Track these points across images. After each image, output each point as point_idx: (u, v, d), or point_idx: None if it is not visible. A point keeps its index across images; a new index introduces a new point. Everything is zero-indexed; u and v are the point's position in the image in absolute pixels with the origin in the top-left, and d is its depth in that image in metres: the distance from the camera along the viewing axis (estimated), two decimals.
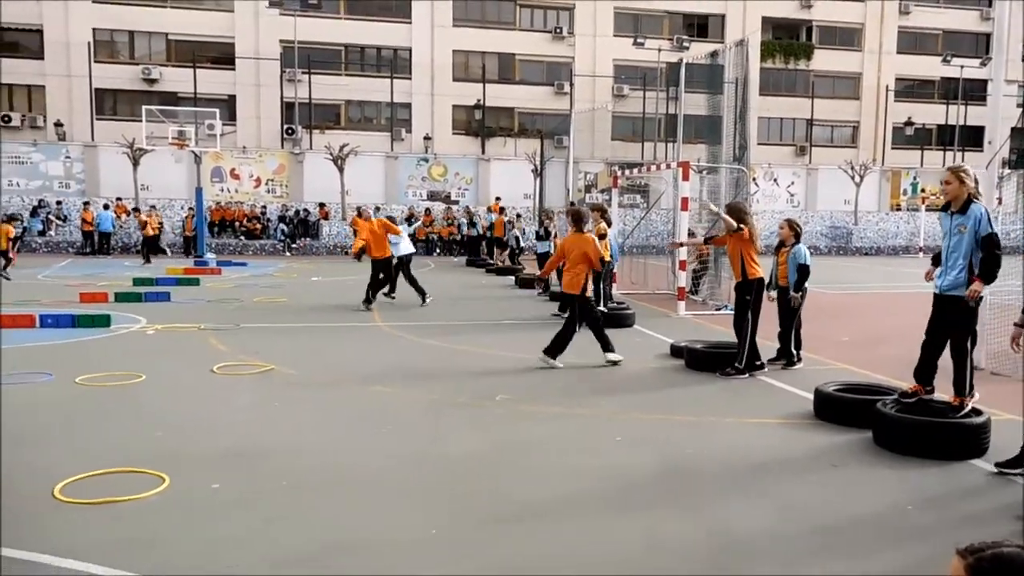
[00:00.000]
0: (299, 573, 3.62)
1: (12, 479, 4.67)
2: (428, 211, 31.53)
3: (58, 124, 36.27)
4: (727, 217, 8.39)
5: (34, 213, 29.01)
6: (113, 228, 28.02)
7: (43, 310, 11.59)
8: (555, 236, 16.31)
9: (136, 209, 28.69)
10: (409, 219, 28.70)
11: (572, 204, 16.35)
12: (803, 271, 8.45)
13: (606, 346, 8.73)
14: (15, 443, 5.46)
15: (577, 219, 8.83)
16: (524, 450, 5.57)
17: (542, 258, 15.79)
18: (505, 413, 6.56)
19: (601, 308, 11.06)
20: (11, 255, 18.52)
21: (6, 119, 36.30)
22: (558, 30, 38.93)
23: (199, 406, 6.66)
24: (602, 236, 11.05)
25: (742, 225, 8.24)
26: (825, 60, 40.39)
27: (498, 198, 32.11)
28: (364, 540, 3.96)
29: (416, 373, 8.15)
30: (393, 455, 5.36)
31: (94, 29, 37.45)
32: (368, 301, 13.33)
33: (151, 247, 24.07)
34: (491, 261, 24.87)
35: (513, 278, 18.73)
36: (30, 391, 7.06)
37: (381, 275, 13.61)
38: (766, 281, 8.45)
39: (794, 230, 8.74)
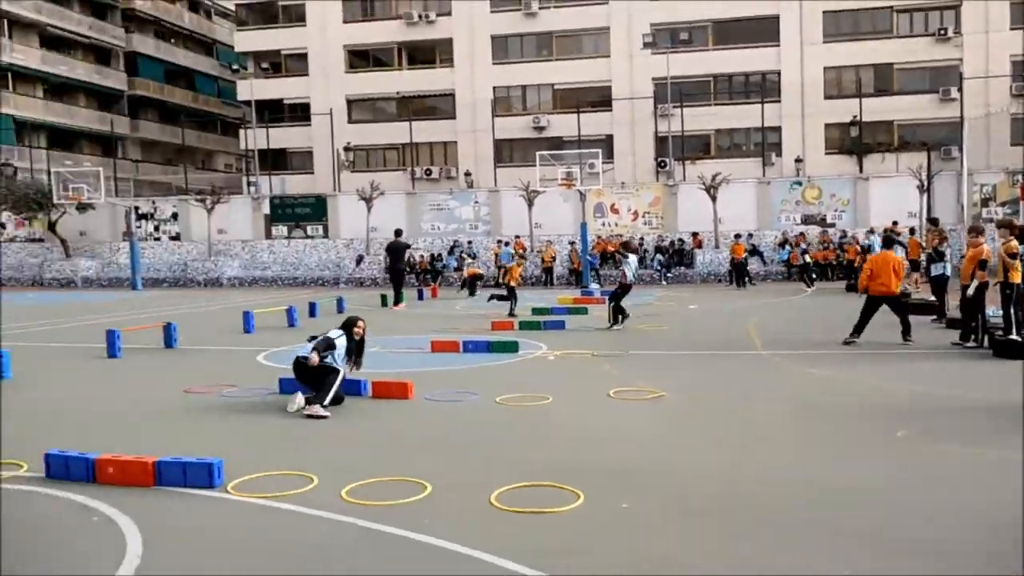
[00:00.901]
0: None
1: (457, 483, 5.39)
2: (802, 235, 30.30)
3: (467, 174, 40.69)
4: None
5: (450, 252, 32.69)
6: (510, 261, 30.66)
7: (464, 337, 13.05)
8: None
9: (470, 254, 31.09)
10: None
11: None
12: None
13: None
14: (458, 451, 6.27)
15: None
16: (924, 486, 5.19)
17: (936, 282, 14.41)
18: (907, 450, 6.16)
19: (1015, 336, 9.93)
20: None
21: (427, 172, 41.50)
22: (942, 31, 35.50)
23: (601, 428, 7.10)
24: (1013, 255, 9.90)
25: None
26: None
27: (895, 223, 29.62)
28: (775, 566, 3.99)
29: (802, 403, 7.93)
30: (794, 482, 5.29)
31: (494, 87, 41.46)
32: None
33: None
34: None
35: None
36: (463, 407, 8.03)
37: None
38: None
39: None
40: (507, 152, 41.25)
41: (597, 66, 40.25)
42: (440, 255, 32.68)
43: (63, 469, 5.50)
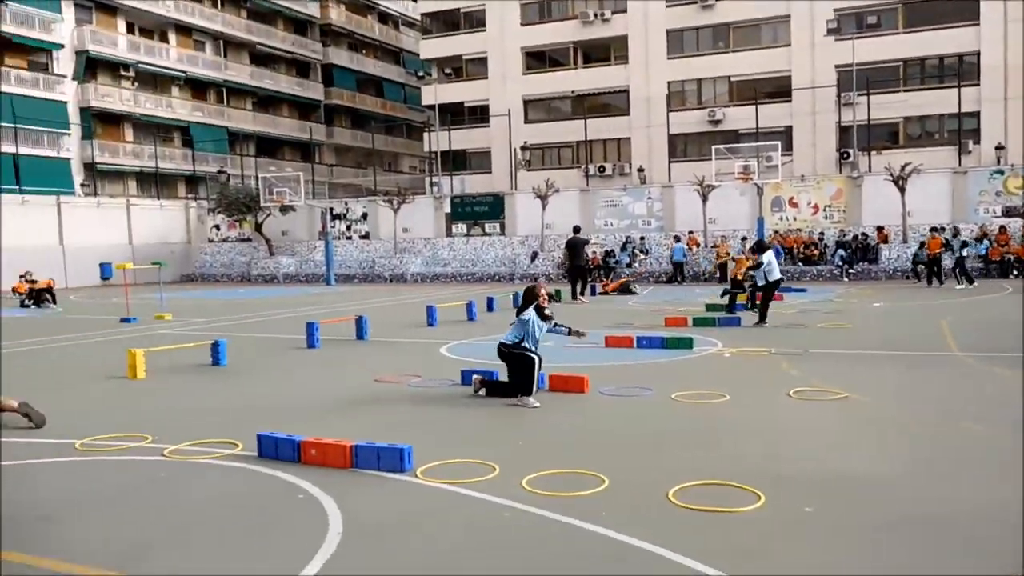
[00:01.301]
0: None
1: (633, 477, 5.39)
2: (1003, 229, 27.86)
3: (640, 169, 40.33)
4: None
5: (623, 248, 32.54)
6: (685, 258, 30.14)
7: (638, 332, 12.98)
8: None
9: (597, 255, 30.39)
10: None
11: None
12: None
13: None
14: (633, 446, 6.27)
15: None
16: None
17: None
18: None
19: None
20: None
21: (601, 169, 41.49)
22: None
23: (782, 429, 6.87)
24: None
25: None
26: None
27: None
28: None
29: (1008, 415, 7.31)
30: (992, 505, 4.92)
31: (668, 82, 40.85)
32: None
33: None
34: None
35: None
36: (638, 403, 8.01)
37: None
38: None
39: None
40: (681, 147, 40.55)
41: (776, 56, 38.77)
42: (613, 251, 32.59)
43: (272, 449, 5.97)
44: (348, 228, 40.37)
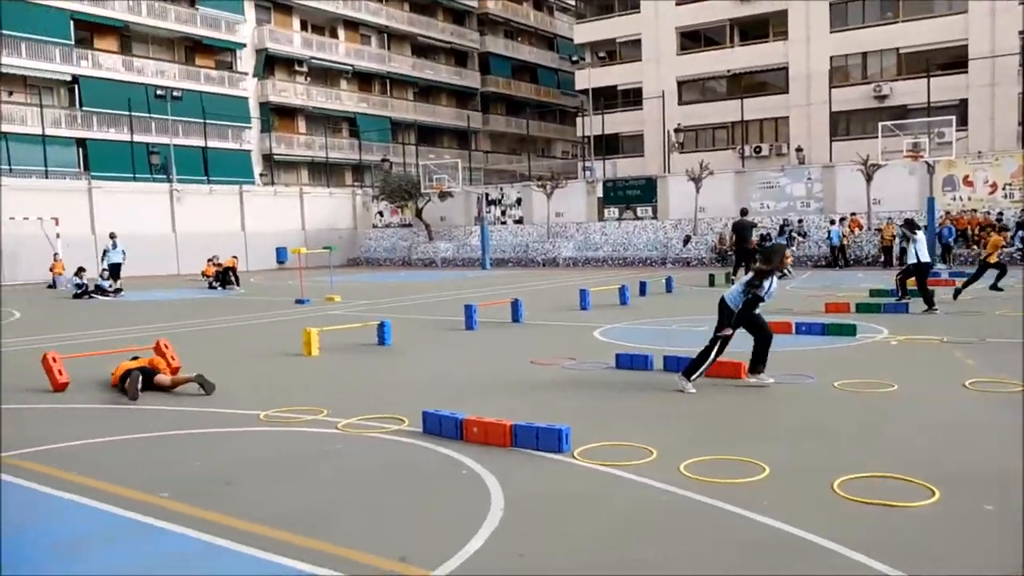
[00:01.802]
0: None
1: (796, 467, 5.20)
2: None
3: (799, 149, 38.65)
4: None
5: (780, 232, 31.31)
6: (838, 241, 28.70)
7: (796, 318, 12.48)
8: None
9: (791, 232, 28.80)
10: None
11: None
12: None
13: None
14: (795, 435, 6.05)
15: None
16: None
17: None
18: None
19: None
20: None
21: (757, 150, 40.08)
22: None
23: (956, 422, 6.43)
24: None
25: None
26: None
27: None
28: None
29: None
30: None
31: (831, 57, 38.84)
32: None
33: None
34: None
35: None
36: (799, 390, 7.71)
37: None
38: None
39: None
40: (843, 124, 38.52)
41: (951, 24, 36.07)
42: (769, 235, 31.41)
43: (436, 426, 6.17)
44: (503, 213, 40.98)
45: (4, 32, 36.02)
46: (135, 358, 8.96)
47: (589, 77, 45.76)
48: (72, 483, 5.22)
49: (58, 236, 31.35)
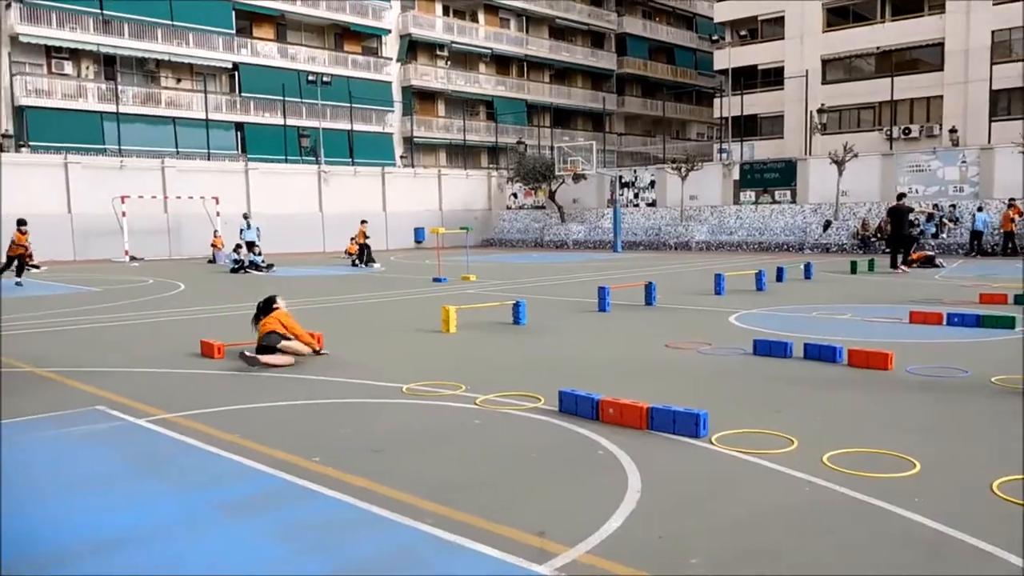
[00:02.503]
0: None
1: (950, 464, 4.89)
2: None
3: (952, 130, 36.20)
4: None
5: (928, 218, 29.49)
6: (984, 228, 26.77)
7: (948, 309, 11.74)
8: None
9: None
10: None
11: None
12: None
13: None
14: (949, 430, 5.69)
15: None
16: None
17: None
18: None
19: None
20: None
21: (906, 131, 37.83)
22: None
23: None
24: None
25: None
26: None
27: None
28: None
29: None
30: None
31: (992, 32, 36.08)
32: None
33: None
34: None
35: None
36: (952, 385, 7.22)
37: None
38: None
39: None
40: (1004, 103, 35.76)
41: None
42: (917, 220, 29.62)
43: (572, 405, 6.18)
44: (635, 196, 40.52)
45: (175, 23, 38.45)
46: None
47: (729, 56, 44.41)
48: (234, 444, 5.55)
49: (218, 214, 33.34)
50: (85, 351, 9.84)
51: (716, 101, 48.55)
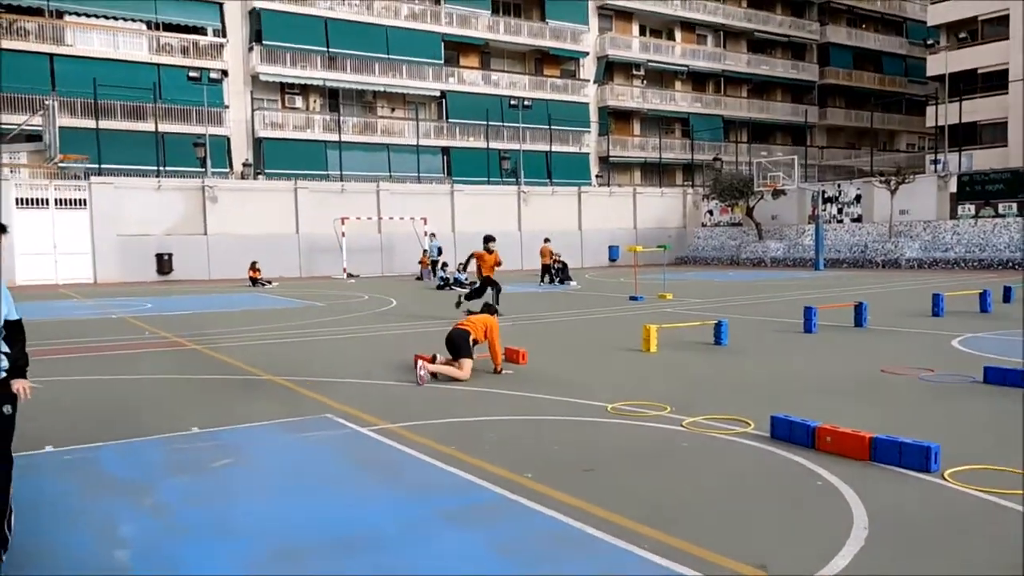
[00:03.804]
0: None
1: None
2: None
3: None
4: None
5: None
6: None
7: None
8: None
9: None
10: None
11: None
12: None
13: None
14: None
15: None
16: None
17: None
18: None
19: None
20: None
21: None
22: None
23: None
24: None
25: None
26: None
27: None
28: None
29: None
30: None
31: None
32: None
33: None
34: None
35: None
36: None
37: None
38: None
39: None
40: None
41: None
42: None
43: (786, 431, 5.87)
44: (839, 211, 38.32)
45: (390, 56, 40.98)
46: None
47: (945, 61, 40.99)
48: (450, 456, 5.74)
49: (426, 234, 35.04)
50: (313, 362, 10.59)
51: (929, 109, 44.92)
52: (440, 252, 29.08)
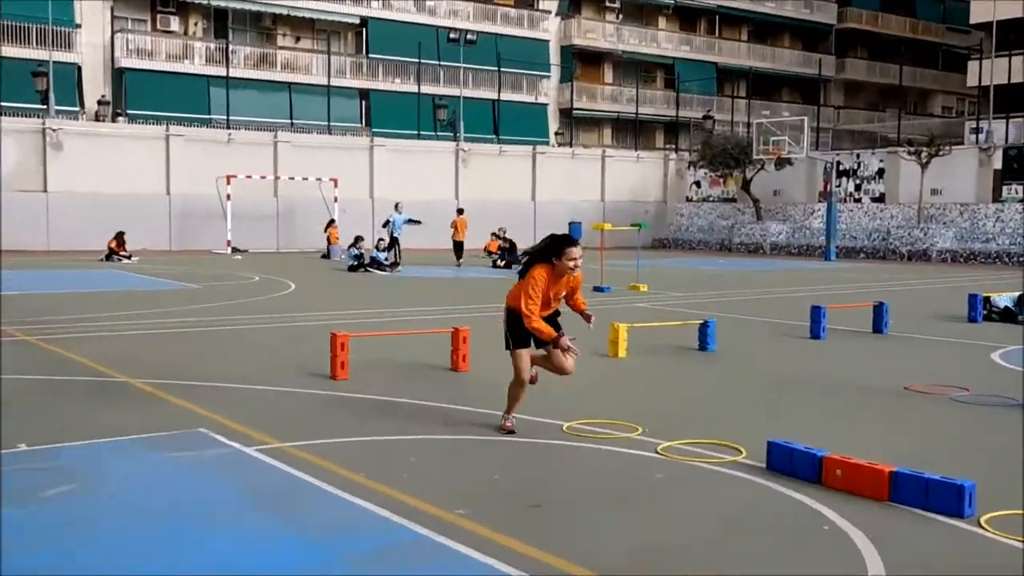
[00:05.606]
0: None
1: None
2: None
3: None
4: None
5: None
6: None
7: None
8: None
9: None
10: None
11: None
12: None
13: None
14: None
15: None
16: None
17: None
18: None
19: None
20: None
21: None
22: None
23: None
24: None
25: None
26: None
27: None
28: None
29: None
30: None
31: None
32: None
33: None
34: None
35: None
36: None
37: None
38: None
39: None
40: None
41: None
42: None
43: (786, 462, 5.93)
44: (857, 188, 39.17)
45: None
46: None
47: (994, 6, 42.05)
48: (360, 485, 5.66)
49: (336, 200, 34.69)
50: (183, 360, 10.40)
51: (971, 65, 46.11)
52: (398, 229, 27.04)
